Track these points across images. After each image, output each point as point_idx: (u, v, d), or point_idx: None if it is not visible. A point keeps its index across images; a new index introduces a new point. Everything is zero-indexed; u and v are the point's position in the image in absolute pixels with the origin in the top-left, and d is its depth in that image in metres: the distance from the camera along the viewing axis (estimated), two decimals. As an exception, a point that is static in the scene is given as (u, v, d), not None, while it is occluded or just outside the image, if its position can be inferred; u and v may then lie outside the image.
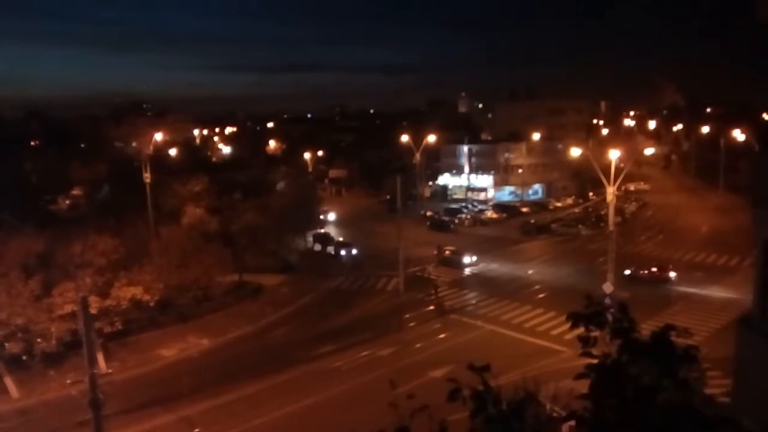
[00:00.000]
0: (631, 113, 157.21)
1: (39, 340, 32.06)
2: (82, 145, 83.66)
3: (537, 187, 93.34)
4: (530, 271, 52.56)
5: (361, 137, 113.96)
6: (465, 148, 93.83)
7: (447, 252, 55.76)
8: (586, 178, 76.62)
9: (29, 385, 31.71)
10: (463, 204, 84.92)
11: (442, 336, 38.71)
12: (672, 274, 46.88)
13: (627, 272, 47.25)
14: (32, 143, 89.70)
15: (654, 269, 47.96)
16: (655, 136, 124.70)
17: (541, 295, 45.38)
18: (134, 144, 76.73)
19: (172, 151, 71.99)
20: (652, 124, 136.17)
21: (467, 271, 53.13)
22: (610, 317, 3.75)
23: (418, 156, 71.99)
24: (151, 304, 37.72)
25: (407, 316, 42.28)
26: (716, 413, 3.58)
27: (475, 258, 54.70)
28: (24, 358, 32.20)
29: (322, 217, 66.11)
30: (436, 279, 48.96)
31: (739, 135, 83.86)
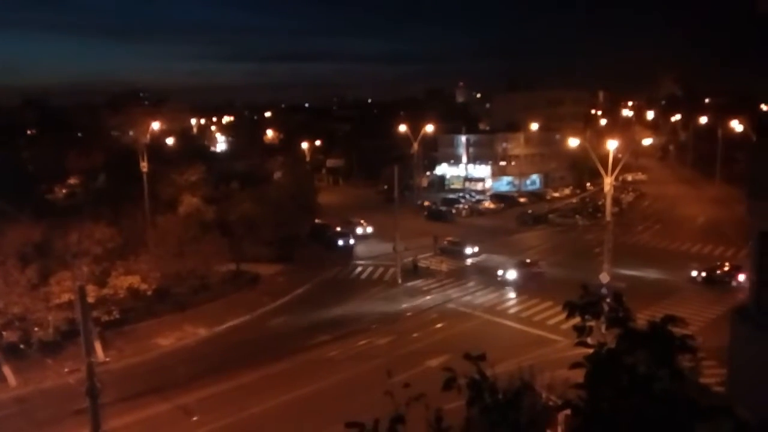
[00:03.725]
0: (630, 103, 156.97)
1: (36, 328, 32.11)
2: (79, 134, 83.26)
3: (534, 177, 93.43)
4: (527, 261, 52.65)
5: (359, 127, 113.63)
6: (463, 138, 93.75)
7: (446, 242, 55.76)
8: (584, 169, 76.73)
9: (26, 374, 31.76)
10: (461, 194, 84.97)
11: (438, 326, 38.84)
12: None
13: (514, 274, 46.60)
14: (29, 132, 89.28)
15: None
16: (653, 127, 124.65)
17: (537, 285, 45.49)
18: (131, 133, 76.40)
19: (170, 141, 71.70)
20: (650, 115, 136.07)
21: (469, 261, 53.02)
22: (605, 307, 3.76)
23: (415, 146, 71.84)
24: (149, 293, 37.75)
25: (404, 305, 42.38)
26: (711, 402, 3.60)
27: (476, 248, 54.62)
28: (21, 346, 32.23)
29: (361, 230, 62.11)
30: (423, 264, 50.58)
31: (737, 126, 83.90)
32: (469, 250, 54.25)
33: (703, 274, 44.68)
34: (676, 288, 43.67)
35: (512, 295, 43.79)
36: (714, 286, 43.53)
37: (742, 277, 44.12)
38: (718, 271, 44.88)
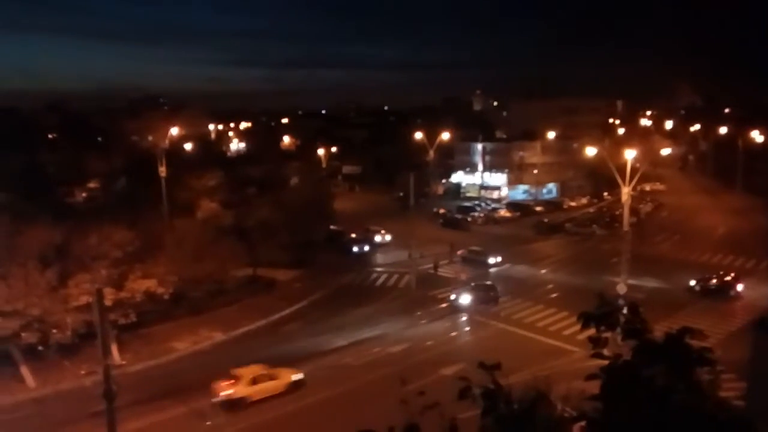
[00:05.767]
0: (648, 113, 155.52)
1: (54, 330, 32.42)
2: (99, 138, 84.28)
3: (551, 186, 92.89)
4: (543, 271, 52.33)
5: (376, 134, 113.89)
6: (479, 146, 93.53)
7: (467, 251, 55.27)
8: (601, 178, 76.03)
9: (44, 375, 32.10)
10: (477, 202, 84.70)
11: (453, 334, 38.71)
12: None
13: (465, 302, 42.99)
14: (50, 135, 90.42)
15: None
16: (672, 137, 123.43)
17: (554, 295, 45.19)
18: (150, 138, 77.28)
19: (188, 146, 72.33)
20: (669, 124, 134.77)
21: (492, 271, 52.58)
22: (621, 318, 3.73)
23: (431, 153, 71.79)
24: (165, 296, 37.98)
25: (418, 313, 42.27)
26: (730, 416, 3.55)
27: (499, 258, 53.93)
28: (40, 348, 32.60)
29: (380, 238, 61.75)
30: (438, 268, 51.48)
31: (757, 136, 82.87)
32: (492, 260, 53.64)
33: (702, 283, 44.40)
34: (692, 299, 43.19)
35: (527, 304, 43.46)
36: (710, 295, 43.18)
37: (740, 287, 43.76)
38: (715, 281, 44.49)
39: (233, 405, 28.80)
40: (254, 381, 29.69)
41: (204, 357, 36.00)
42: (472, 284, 45.22)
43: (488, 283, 45.95)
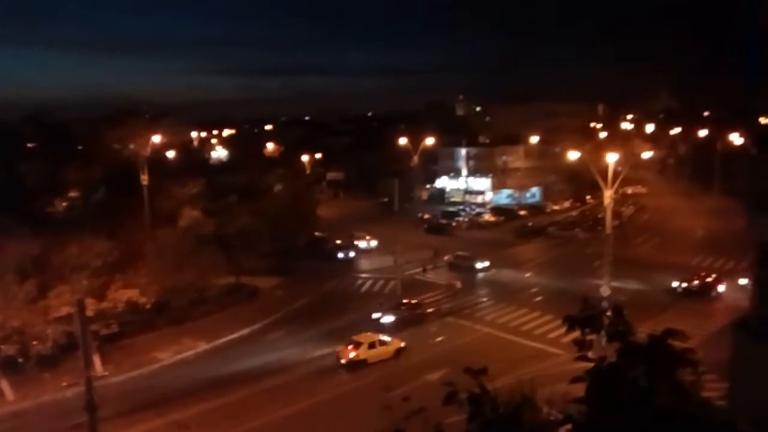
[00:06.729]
0: (629, 117, 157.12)
1: (34, 342, 31.96)
2: (79, 148, 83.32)
3: (534, 190, 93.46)
4: (527, 274, 52.57)
5: (359, 140, 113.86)
6: (462, 151, 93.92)
7: (454, 256, 55.23)
8: (584, 182, 76.65)
9: (24, 388, 31.59)
10: (461, 207, 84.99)
11: (438, 339, 38.67)
12: None
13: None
14: (29, 145, 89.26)
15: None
16: (653, 140, 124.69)
17: (538, 298, 45.40)
18: (132, 146, 76.63)
19: (170, 154, 71.77)
20: (649, 128, 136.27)
21: (479, 276, 52.59)
22: (605, 321, 3.75)
23: (415, 159, 71.88)
24: (147, 306, 37.62)
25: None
26: (712, 417, 3.58)
27: (487, 263, 53.86)
28: (19, 360, 32.09)
29: (365, 244, 61.25)
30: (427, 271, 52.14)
31: (735, 138, 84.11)
32: (479, 265, 53.56)
33: (684, 285, 44.96)
34: (674, 300, 43.67)
35: (512, 308, 43.62)
36: (692, 297, 43.82)
37: (721, 288, 44.46)
38: (697, 282, 45.14)
39: (356, 365, 33.41)
40: (372, 346, 34.28)
41: (187, 367, 35.64)
42: (399, 302, 43.21)
43: (414, 301, 43.42)
